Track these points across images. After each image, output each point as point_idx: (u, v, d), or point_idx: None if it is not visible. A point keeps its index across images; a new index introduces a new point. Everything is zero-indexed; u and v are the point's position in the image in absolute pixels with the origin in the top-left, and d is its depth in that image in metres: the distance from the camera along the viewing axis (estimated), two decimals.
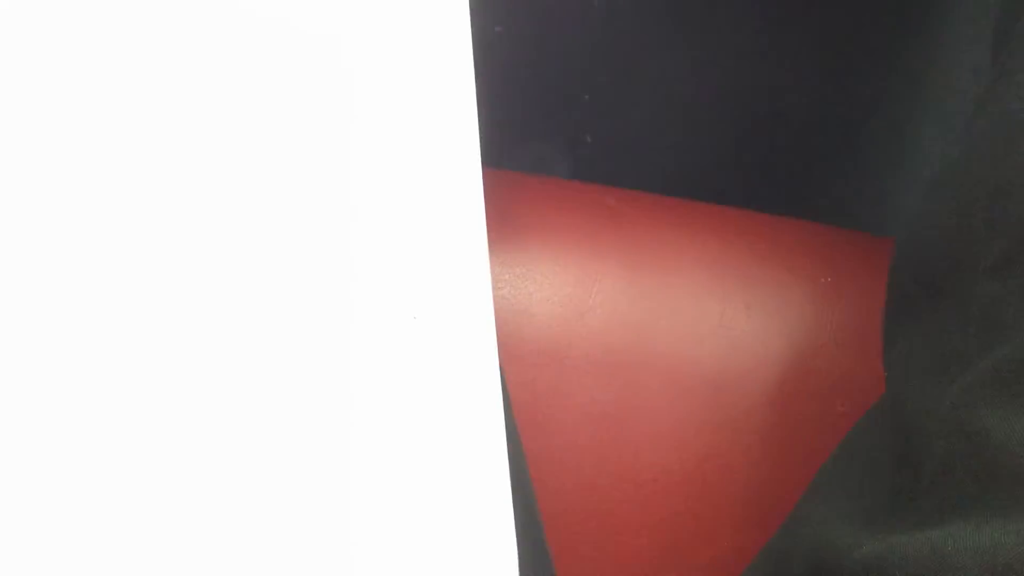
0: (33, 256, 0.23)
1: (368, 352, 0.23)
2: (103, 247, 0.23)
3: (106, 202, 0.23)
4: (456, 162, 0.24)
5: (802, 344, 0.29)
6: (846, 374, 0.29)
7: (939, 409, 0.22)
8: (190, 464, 0.21)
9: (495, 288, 0.26)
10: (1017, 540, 0.20)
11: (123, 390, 0.22)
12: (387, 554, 0.21)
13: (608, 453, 0.26)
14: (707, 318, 0.29)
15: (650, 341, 0.29)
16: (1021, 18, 0.24)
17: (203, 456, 0.21)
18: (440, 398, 0.22)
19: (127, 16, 0.24)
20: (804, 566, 0.25)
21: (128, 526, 0.21)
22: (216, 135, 0.23)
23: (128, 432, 0.21)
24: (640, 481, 0.26)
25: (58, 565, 0.21)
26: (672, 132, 0.30)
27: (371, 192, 0.24)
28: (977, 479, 0.21)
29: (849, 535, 0.24)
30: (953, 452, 0.21)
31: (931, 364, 0.23)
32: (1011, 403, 0.21)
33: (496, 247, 0.26)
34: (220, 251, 0.23)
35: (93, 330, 0.22)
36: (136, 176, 0.23)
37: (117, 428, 0.21)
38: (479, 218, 0.23)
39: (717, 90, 0.33)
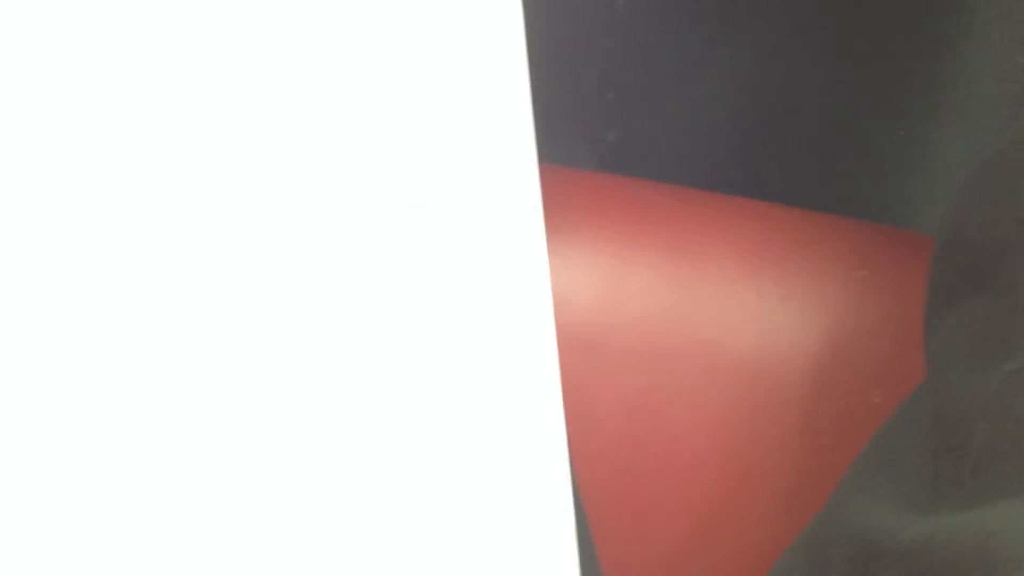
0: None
1: (429, 346, 0.23)
2: None
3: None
4: (514, 157, 0.24)
5: (837, 335, 0.29)
6: (882, 365, 0.29)
7: (984, 395, 0.23)
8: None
9: None
10: None
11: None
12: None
13: (644, 439, 0.27)
14: (742, 309, 0.29)
15: (686, 331, 0.29)
16: None
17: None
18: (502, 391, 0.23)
19: None
20: (845, 550, 0.25)
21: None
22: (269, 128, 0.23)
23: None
24: (675, 467, 0.27)
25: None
26: (705, 127, 0.31)
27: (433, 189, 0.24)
28: None
29: (892, 518, 0.24)
30: (999, 435, 0.22)
31: (975, 352, 0.24)
32: None
33: None
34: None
35: None
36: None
37: None
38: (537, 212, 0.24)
39: (750, 86, 0.33)
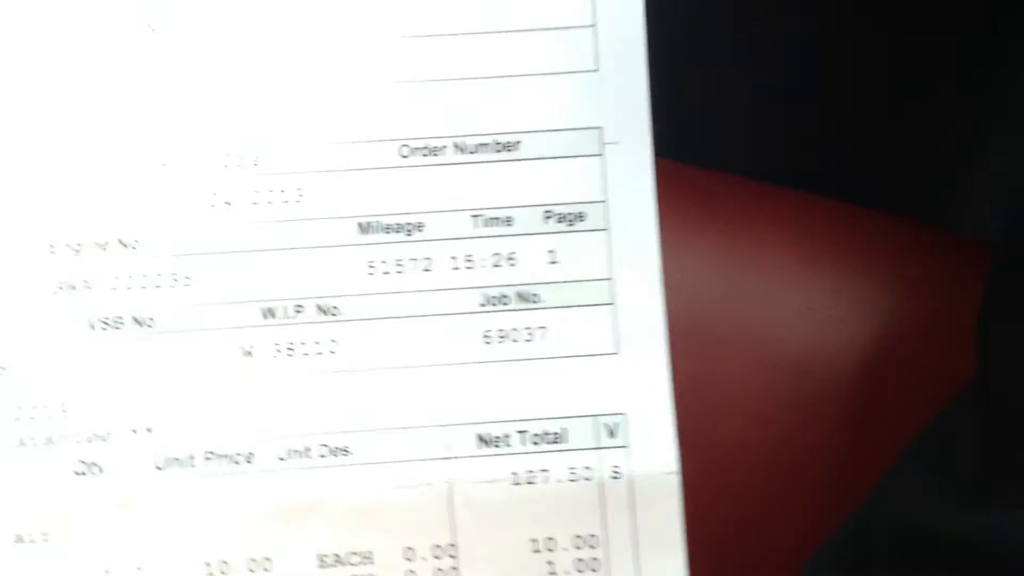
0: None
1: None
2: None
3: None
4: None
5: (889, 332, 0.29)
6: (932, 364, 0.29)
7: None
8: None
9: None
10: None
11: None
12: None
13: (688, 423, 0.26)
14: (794, 301, 0.29)
15: (737, 319, 0.29)
16: None
17: None
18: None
19: None
20: (890, 543, 0.25)
21: None
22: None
23: None
24: (718, 453, 0.27)
25: None
26: (765, 119, 0.30)
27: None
28: None
29: (939, 512, 0.24)
30: None
31: None
32: None
33: None
34: None
35: None
36: None
37: None
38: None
39: (812, 80, 0.33)
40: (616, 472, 0.26)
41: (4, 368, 0.26)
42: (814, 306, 0.29)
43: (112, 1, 0.26)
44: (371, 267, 0.26)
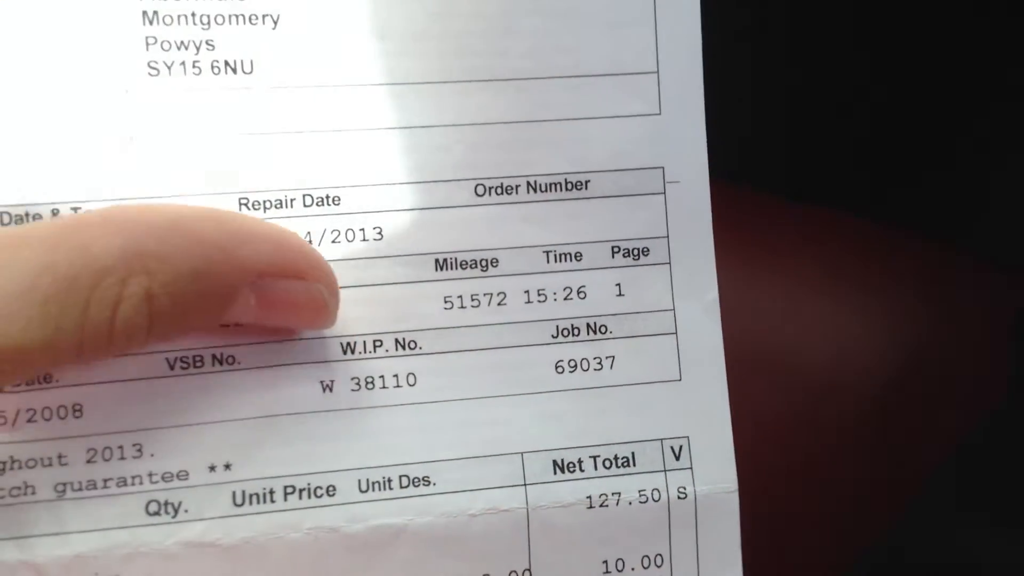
0: None
1: None
2: None
3: None
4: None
5: (917, 350, 0.30)
6: (961, 385, 0.30)
7: None
8: None
9: None
10: None
11: None
12: None
13: None
14: (821, 319, 0.30)
15: (762, 337, 0.30)
16: None
17: None
18: None
19: None
20: (918, 566, 0.26)
21: None
22: None
23: None
24: (745, 472, 0.27)
25: None
26: (791, 136, 0.31)
27: None
28: None
29: (969, 537, 0.25)
30: None
31: None
32: None
33: None
34: None
35: None
36: None
37: None
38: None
39: (839, 100, 0.34)
40: (682, 492, 0.28)
41: (80, 409, 0.25)
42: (841, 324, 0.30)
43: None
44: (447, 302, 0.27)
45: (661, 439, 0.28)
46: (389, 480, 0.26)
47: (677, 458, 0.28)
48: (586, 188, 0.27)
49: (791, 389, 0.30)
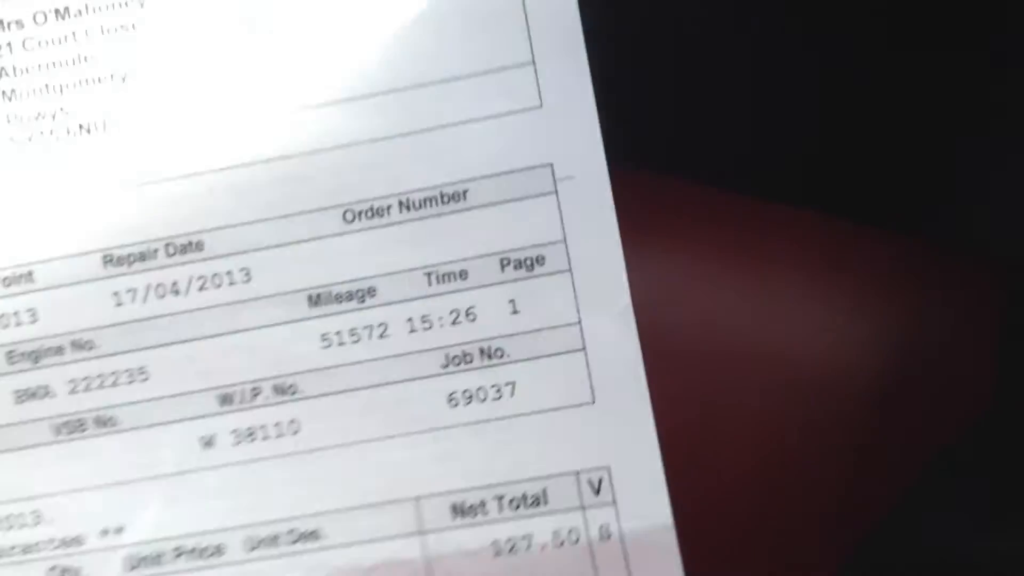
0: None
1: None
2: None
3: None
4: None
5: (906, 353, 0.28)
6: (952, 385, 0.27)
7: None
8: None
9: None
10: None
11: None
12: None
13: (700, 443, 0.26)
14: (810, 319, 0.28)
15: (751, 338, 0.28)
16: None
17: None
18: None
19: None
20: (905, 568, 0.25)
21: None
22: None
23: None
24: (733, 474, 0.26)
25: None
26: (777, 139, 0.29)
27: None
28: None
29: (959, 537, 0.24)
30: None
31: None
32: None
33: None
34: None
35: None
36: None
37: None
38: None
39: (825, 101, 0.32)
40: (605, 531, 0.24)
41: None
42: (830, 325, 0.28)
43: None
44: (325, 339, 0.25)
45: (576, 472, 0.24)
46: (276, 536, 0.25)
47: (597, 492, 0.24)
48: (465, 199, 0.25)
49: (777, 392, 0.27)
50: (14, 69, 0.26)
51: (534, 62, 0.25)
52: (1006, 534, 0.22)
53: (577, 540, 0.24)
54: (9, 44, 0.26)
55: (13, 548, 0.25)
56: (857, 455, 0.27)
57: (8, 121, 0.26)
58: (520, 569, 0.24)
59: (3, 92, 0.26)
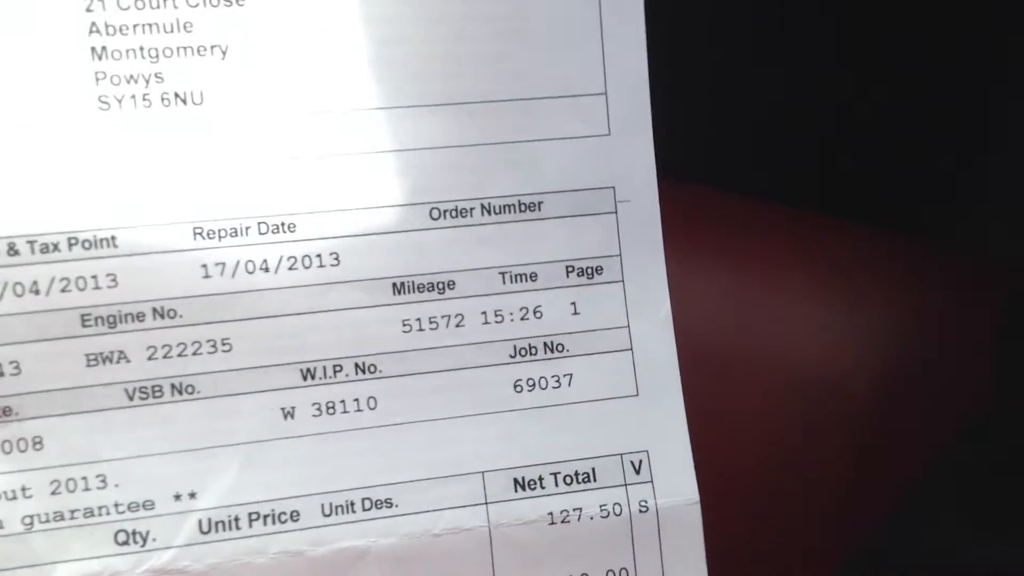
0: None
1: None
2: None
3: None
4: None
5: (904, 353, 0.30)
6: (952, 385, 0.30)
7: None
8: None
9: None
10: None
11: None
12: None
13: (702, 443, 0.28)
14: (810, 320, 0.30)
15: (751, 339, 0.31)
16: None
17: None
18: None
19: None
20: (904, 567, 0.26)
21: None
22: None
23: None
24: (734, 473, 0.28)
25: None
26: (776, 139, 0.31)
27: None
28: None
29: (958, 538, 0.25)
30: None
31: None
32: None
33: None
34: None
35: None
36: None
37: None
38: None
39: (823, 103, 0.34)
40: (643, 506, 0.28)
41: (41, 442, 0.25)
42: (828, 326, 0.30)
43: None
44: (406, 325, 0.27)
45: (621, 454, 0.28)
46: (352, 503, 0.27)
47: (637, 472, 0.28)
48: (539, 209, 0.28)
49: (778, 391, 0.30)
50: (106, 26, 0.26)
51: (606, 93, 0.28)
52: (1006, 534, 0.25)
53: (620, 513, 0.28)
54: None
55: (75, 511, 0.25)
56: (857, 455, 0.29)
57: (96, 81, 0.26)
58: (570, 537, 0.28)
59: (92, 48, 0.26)
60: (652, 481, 0.28)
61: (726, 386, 0.29)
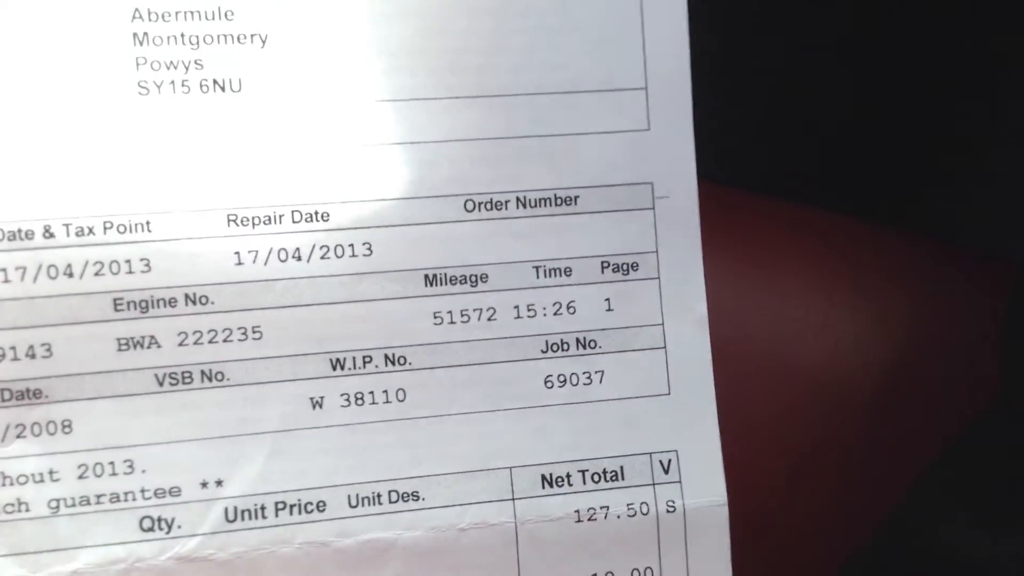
0: None
1: None
2: None
3: None
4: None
5: (908, 350, 0.29)
6: (953, 382, 0.29)
7: None
8: None
9: None
10: None
11: None
12: None
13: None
14: (812, 317, 0.30)
15: (754, 336, 0.30)
16: None
17: None
18: None
19: None
20: (911, 563, 0.26)
21: None
22: None
23: None
24: (733, 474, 0.28)
25: None
26: (780, 136, 0.31)
27: None
28: None
29: (960, 535, 0.25)
30: None
31: None
32: None
33: None
34: None
35: None
36: None
37: None
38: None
39: (825, 97, 0.34)
40: (671, 506, 0.28)
41: (70, 425, 0.25)
42: (832, 322, 0.30)
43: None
44: (437, 317, 0.27)
45: (650, 453, 0.28)
46: (379, 495, 0.27)
47: (666, 472, 0.28)
48: (575, 203, 0.27)
49: (781, 389, 0.30)
50: (149, 12, 0.26)
51: (647, 87, 0.28)
52: (1012, 531, 0.24)
53: (647, 512, 0.28)
54: None
55: (101, 497, 0.25)
56: (858, 454, 0.29)
57: (137, 67, 0.25)
58: (596, 535, 0.27)
59: (135, 34, 0.25)
60: (680, 481, 0.28)
61: (724, 385, 0.29)
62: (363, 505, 0.26)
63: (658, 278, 0.28)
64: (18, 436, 0.25)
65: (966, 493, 0.27)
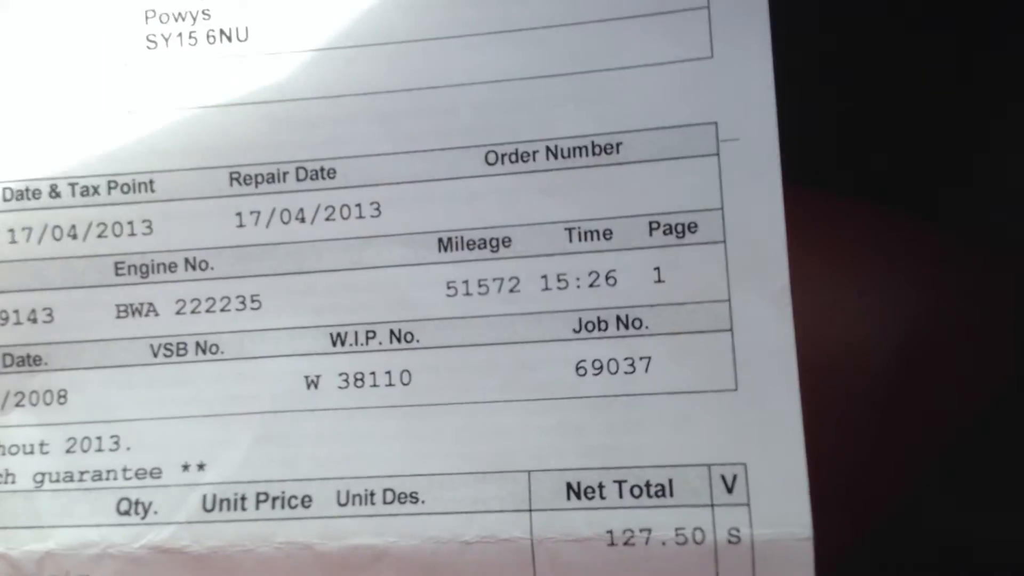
0: None
1: None
2: None
3: None
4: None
5: (916, 335, 0.26)
6: (966, 370, 0.26)
7: None
8: None
9: None
10: None
11: None
12: None
13: None
14: (823, 304, 0.26)
15: None
16: None
17: None
18: None
19: None
20: (919, 551, 0.24)
21: None
22: None
23: None
24: None
25: None
26: (791, 119, 0.26)
27: None
28: None
29: (972, 520, 0.24)
30: None
31: None
32: None
33: None
34: None
35: None
36: None
37: None
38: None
39: (839, 88, 0.30)
40: (734, 535, 0.21)
41: (65, 395, 0.24)
42: (842, 311, 0.26)
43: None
44: (451, 288, 0.23)
45: (709, 464, 0.21)
46: (372, 494, 0.22)
47: (730, 490, 0.21)
48: (617, 152, 0.23)
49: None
50: None
51: (709, 6, 0.23)
52: (1015, 522, 0.23)
53: (702, 540, 0.21)
54: None
55: (84, 474, 0.24)
56: (866, 442, 0.25)
57: (146, 20, 0.25)
58: (634, 564, 0.21)
59: None
60: (749, 504, 0.21)
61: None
62: (353, 504, 0.23)
63: (724, 241, 0.22)
64: (17, 404, 0.24)
65: (974, 483, 0.25)
